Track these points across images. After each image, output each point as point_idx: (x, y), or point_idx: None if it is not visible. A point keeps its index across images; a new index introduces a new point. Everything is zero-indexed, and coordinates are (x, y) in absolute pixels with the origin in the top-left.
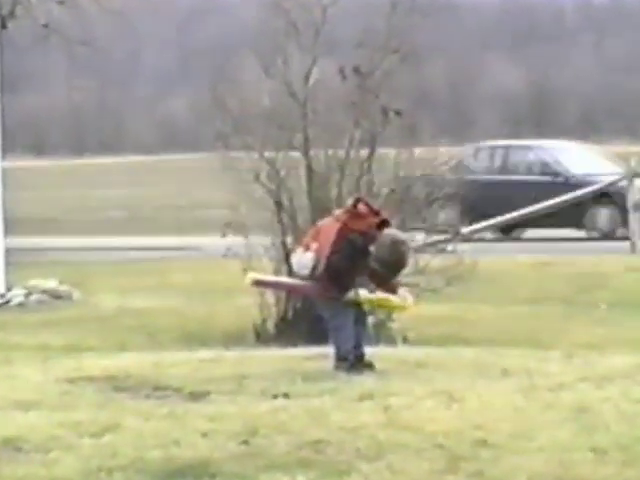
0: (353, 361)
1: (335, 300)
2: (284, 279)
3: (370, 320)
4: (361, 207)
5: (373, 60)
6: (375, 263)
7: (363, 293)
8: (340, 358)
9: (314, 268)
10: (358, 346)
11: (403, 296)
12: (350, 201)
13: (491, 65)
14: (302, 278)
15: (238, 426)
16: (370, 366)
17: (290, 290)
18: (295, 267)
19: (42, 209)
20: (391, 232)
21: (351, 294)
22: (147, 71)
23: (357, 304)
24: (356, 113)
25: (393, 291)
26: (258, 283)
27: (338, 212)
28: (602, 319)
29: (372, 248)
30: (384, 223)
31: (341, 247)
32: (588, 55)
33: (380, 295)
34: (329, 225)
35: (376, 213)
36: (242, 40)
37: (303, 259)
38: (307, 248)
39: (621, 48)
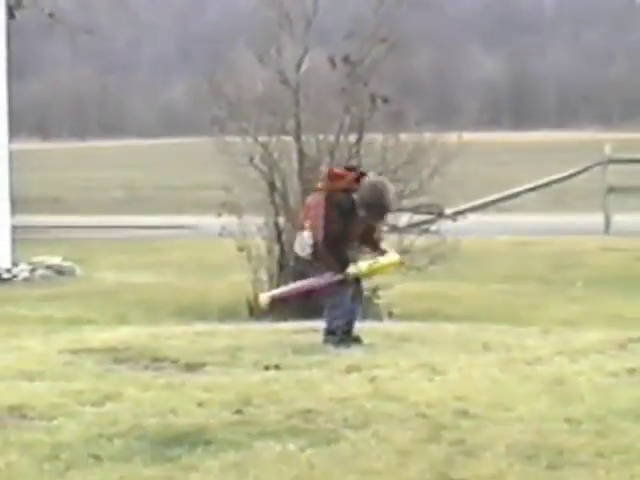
0: (342, 336)
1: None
2: (295, 284)
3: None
4: (336, 169)
5: (362, 49)
6: (361, 210)
7: (362, 264)
8: (329, 332)
9: (315, 245)
10: (350, 322)
11: (392, 255)
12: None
13: (474, 54)
14: (306, 259)
15: (232, 396)
16: (358, 340)
17: (306, 292)
18: (298, 251)
19: (47, 189)
20: (370, 177)
21: (352, 269)
22: (147, 58)
23: (357, 280)
24: (346, 100)
25: (381, 250)
26: (274, 301)
27: (319, 185)
28: (577, 297)
29: (355, 196)
30: (362, 175)
31: (332, 214)
32: (565, 45)
33: (376, 262)
34: (315, 199)
35: (351, 169)
36: (238, 29)
37: (302, 240)
38: (302, 228)
39: (597, 39)
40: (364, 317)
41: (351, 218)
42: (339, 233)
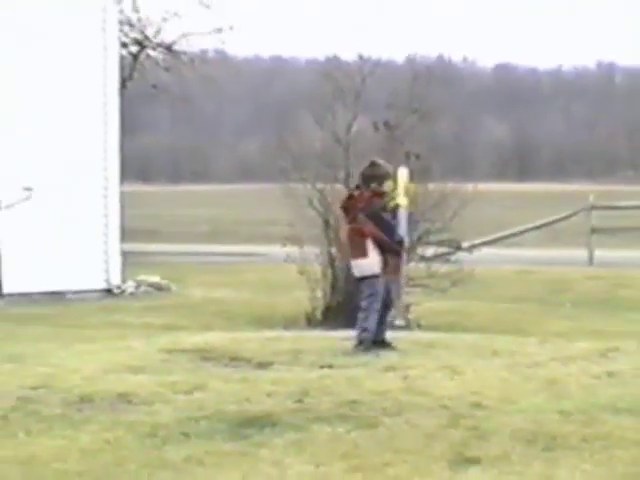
0: (369, 345)
1: (378, 278)
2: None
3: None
4: (355, 194)
5: (398, 117)
6: (374, 183)
7: (400, 199)
8: (359, 342)
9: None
10: (381, 325)
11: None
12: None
13: (486, 122)
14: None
15: (293, 388)
16: (391, 346)
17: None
18: (357, 274)
19: (148, 223)
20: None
21: (401, 201)
22: (229, 121)
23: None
24: (385, 156)
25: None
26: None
27: (350, 217)
28: (568, 315)
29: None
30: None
31: (376, 225)
32: (558, 115)
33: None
34: (353, 227)
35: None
36: (301, 98)
37: (361, 266)
38: (355, 257)
39: (583, 110)
40: (404, 327)
41: (380, 219)
42: (379, 238)
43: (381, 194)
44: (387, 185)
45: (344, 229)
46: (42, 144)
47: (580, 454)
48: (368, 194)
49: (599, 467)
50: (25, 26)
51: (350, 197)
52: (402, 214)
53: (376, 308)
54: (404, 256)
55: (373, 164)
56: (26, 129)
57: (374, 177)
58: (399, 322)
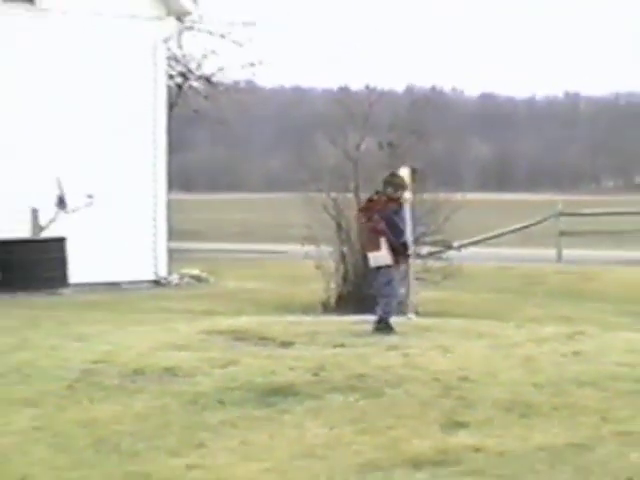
0: (386, 325)
1: (391, 267)
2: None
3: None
4: (374, 197)
5: (400, 138)
6: (390, 189)
7: (406, 194)
8: (381, 323)
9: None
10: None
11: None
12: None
13: (471, 141)
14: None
15: (311, 363)
16: (393, 329)
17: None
18: (373, 264)
19: (190, 225)
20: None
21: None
22: (257, 139)
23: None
24: (388, 170)
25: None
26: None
27: (368, 216)
28: (540, 303)
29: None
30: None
31: (387, 225)
32: (532, 136)
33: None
34: (370, 225)
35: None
36: (318, 122)
37: (379, 258)
38: (373, 250)
39: (553, 132)
40: (400, 314)
41: (392, 222)
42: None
43: (395, 199)
44: (400, 194)
45: (364, 227)
46: (102, 159)
47: (550, 420)
48: (384, 198)
49: (566, 431)
50: (92, 61)
51: (370, 200)
52: (406, 209)
53: (394, 294)
54: (409, 256)
55: (393, 174)
56: (90, 147)
57: (391, 184)
58: (411, 316)
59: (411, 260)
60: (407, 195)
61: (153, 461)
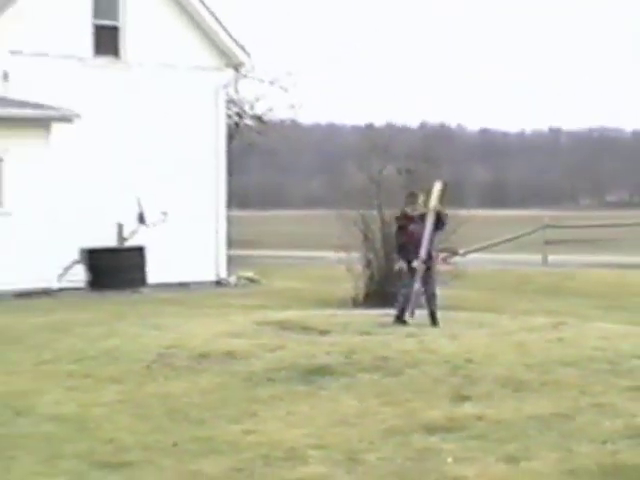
0: (401, 319)
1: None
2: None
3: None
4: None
5: (415, 165)
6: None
7: (433, 203)
8: (398, 317)
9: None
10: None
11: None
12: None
13: (472, 168)
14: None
15: (344, 348)
16: (406, 322)
17: None
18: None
19: (245, 236)
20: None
21: (433, 204)
22: (299, 166)
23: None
24: (405, 192)
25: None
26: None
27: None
28: (530, 299)
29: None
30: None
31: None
32: (523, 164)
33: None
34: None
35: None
36: (348, 152)
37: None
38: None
39: (540, 160)
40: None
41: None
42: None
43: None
44: (411, 208)
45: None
46: (174, 182)
47: (539, 394)
48: (417, 213)
49: (551, 403)
50: (166, 103)
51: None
52: (430, 217)
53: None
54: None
55: (410, 194)
56: (164, 173)
57: (407, 201)
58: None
59: (419, 266)
60: (433, 202)
61: (216, 427)
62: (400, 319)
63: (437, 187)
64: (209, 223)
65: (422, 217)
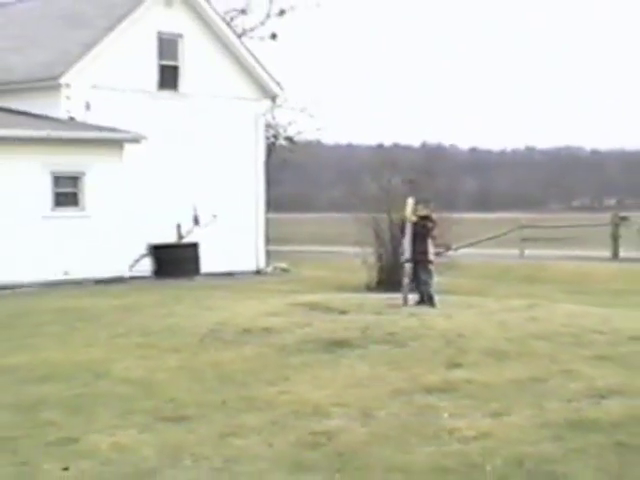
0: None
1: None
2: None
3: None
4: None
5: (417, 177)
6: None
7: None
8: (421, 299)
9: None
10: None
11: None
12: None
13: (463, 179)
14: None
15: (360, 324)
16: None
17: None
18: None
19: (280, 234)
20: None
21: (408, 215)
22: (323, 178)
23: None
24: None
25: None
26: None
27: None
28: (509, 285)
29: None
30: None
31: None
32: (505, 176)
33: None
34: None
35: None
36: (364, 166)
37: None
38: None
39: (518, 173)
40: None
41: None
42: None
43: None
44: (410, 214)
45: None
46: (222, 191)
47: (517, 362)
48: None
49: (527, 369)
50: (215, 127)
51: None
52: (408, 226)
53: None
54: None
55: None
56: (214, 184)
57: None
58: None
59: (407, 264)
60: (410, 217)
61: (256, 389)
62: (405, 302)
63: (410, 202)
64: (250, 223)
65: (416, 222)
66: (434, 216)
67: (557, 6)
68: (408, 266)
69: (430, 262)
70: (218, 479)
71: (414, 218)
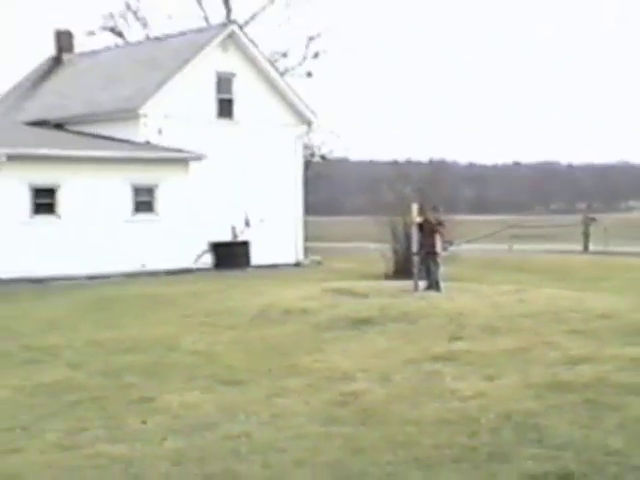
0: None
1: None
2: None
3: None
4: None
5: (425, 186)
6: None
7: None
8: (429, 286)
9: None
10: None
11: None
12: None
13: (462, 189)
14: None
15: (379, 306)
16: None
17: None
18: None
19: (314, 233)
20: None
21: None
22: (349, 187)
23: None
24: (420, 205)
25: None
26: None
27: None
28: (500, 274)
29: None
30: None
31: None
32: (496, 187)
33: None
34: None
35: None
36: (381, 178)
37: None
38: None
39: (506, 184)
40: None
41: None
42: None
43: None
44: (415, 217)
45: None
46: (268, 199)
47: (507, 335)
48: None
49: (515, 341)
50: (263, 148)
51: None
52: (414, 226)
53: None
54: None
55: (420, 207)
56: (262, 193)
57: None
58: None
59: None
60: (416, 219)
61: (296, 358)
62: (416, 288)
63: (414, 207)
64: (291, 225)
65: (421, 224)
66: (441, 218)
67: (541, 34)
68: (416, 259)
69: (437, 255)
70: (265, 430)
71: (419, 219)
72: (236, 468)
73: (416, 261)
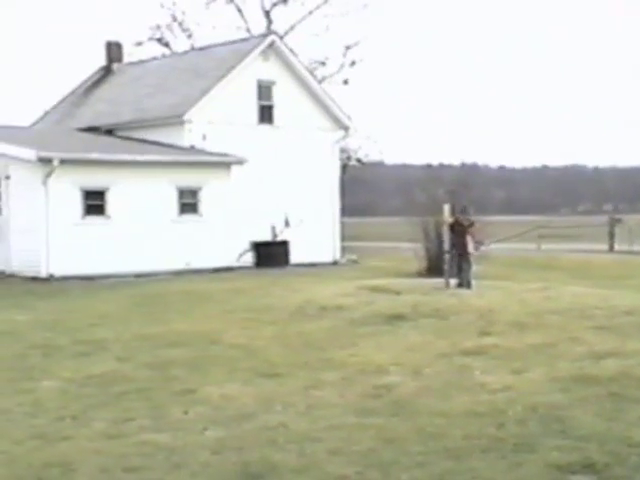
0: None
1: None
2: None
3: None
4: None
5: (457, 188)
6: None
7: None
8: (460, 284)
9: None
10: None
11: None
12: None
13: (493, 191)
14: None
15: (411, 303)
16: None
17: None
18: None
19: (351, 233)
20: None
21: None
22: (384, 188)
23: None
24: (451, 206)
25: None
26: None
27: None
28: (529, 272)
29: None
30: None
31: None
32: (526, 188)
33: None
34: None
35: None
36: (415, 182)
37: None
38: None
39: (537, 185)
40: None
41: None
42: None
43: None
44: (447, 217)
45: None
46: (307, 200)
47: (534, 331)
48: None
49: (542, 336)
50: (303, 152)
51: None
52: (445, 226)
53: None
54: (447, 256)
55: (453, 209)
56: (301, 195)
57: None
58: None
59: (446, 255)
60: (447, 220)
61: (332, 352)
62: (447, 285)
63: (446, 208)
64: (328, 225)
65: (452, 225)
66: (472, 219)
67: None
68: (448, 257)
69: (469, 254)
70: (302, 421)
71: (450, 220)
72: (273, 457)
73: (447, 259)
